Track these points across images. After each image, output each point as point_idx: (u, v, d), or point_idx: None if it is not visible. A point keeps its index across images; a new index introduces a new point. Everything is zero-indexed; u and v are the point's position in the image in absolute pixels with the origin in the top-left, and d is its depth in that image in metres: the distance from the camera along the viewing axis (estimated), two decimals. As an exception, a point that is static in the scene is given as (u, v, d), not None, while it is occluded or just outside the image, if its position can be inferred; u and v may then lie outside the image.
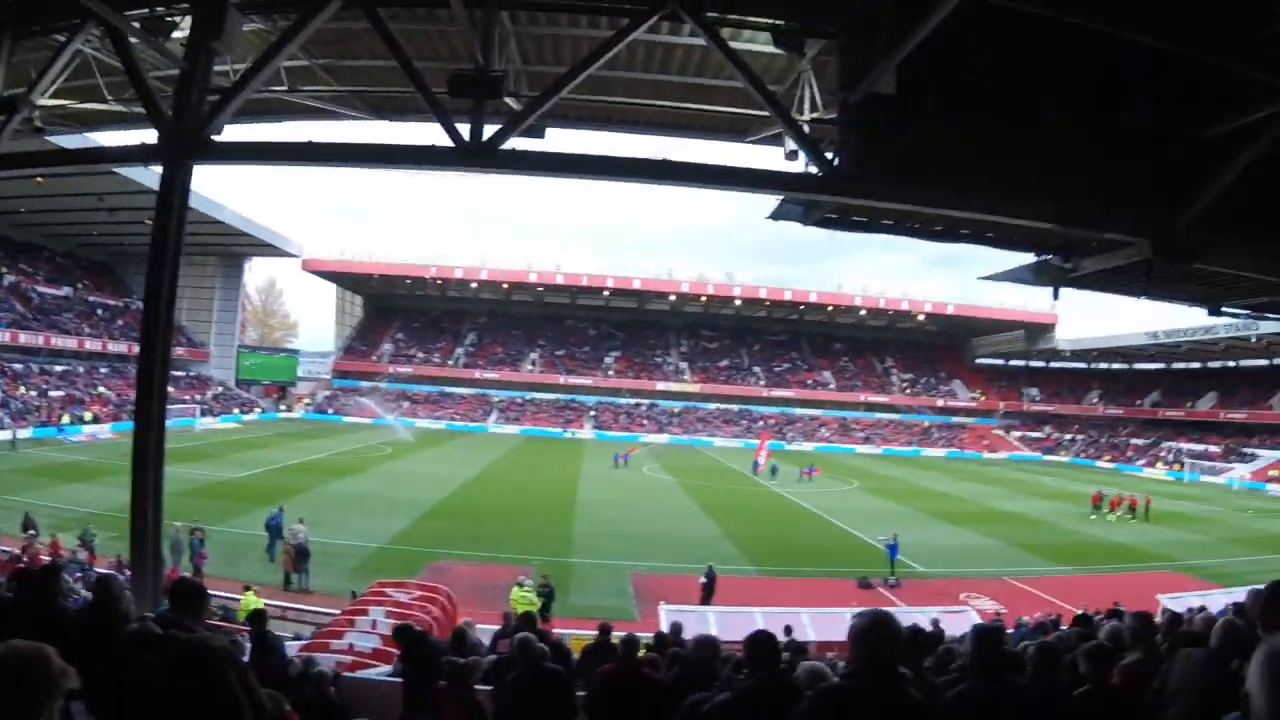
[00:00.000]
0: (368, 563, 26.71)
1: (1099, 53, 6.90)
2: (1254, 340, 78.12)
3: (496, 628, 14.83)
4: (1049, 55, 7.22)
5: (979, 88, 7.45)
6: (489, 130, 8.24)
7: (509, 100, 9.20)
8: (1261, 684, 2.07)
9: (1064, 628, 12.96)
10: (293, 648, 13.75)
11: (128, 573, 10.63)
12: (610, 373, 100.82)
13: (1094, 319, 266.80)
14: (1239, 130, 7.54)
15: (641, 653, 10.78)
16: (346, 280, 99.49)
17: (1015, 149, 7.62)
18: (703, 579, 24.34)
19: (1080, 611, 18.90)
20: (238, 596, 19.53)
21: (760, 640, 5.01)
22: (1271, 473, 73.77)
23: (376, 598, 18.04)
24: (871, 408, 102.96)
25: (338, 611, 18.22)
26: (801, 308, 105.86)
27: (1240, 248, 8.94)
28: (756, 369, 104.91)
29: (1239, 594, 10.68)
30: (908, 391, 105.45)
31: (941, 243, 9.74)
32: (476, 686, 8.05)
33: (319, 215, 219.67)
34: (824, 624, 20.05)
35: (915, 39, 6.30)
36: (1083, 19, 6.46)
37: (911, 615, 19.59)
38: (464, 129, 8.24)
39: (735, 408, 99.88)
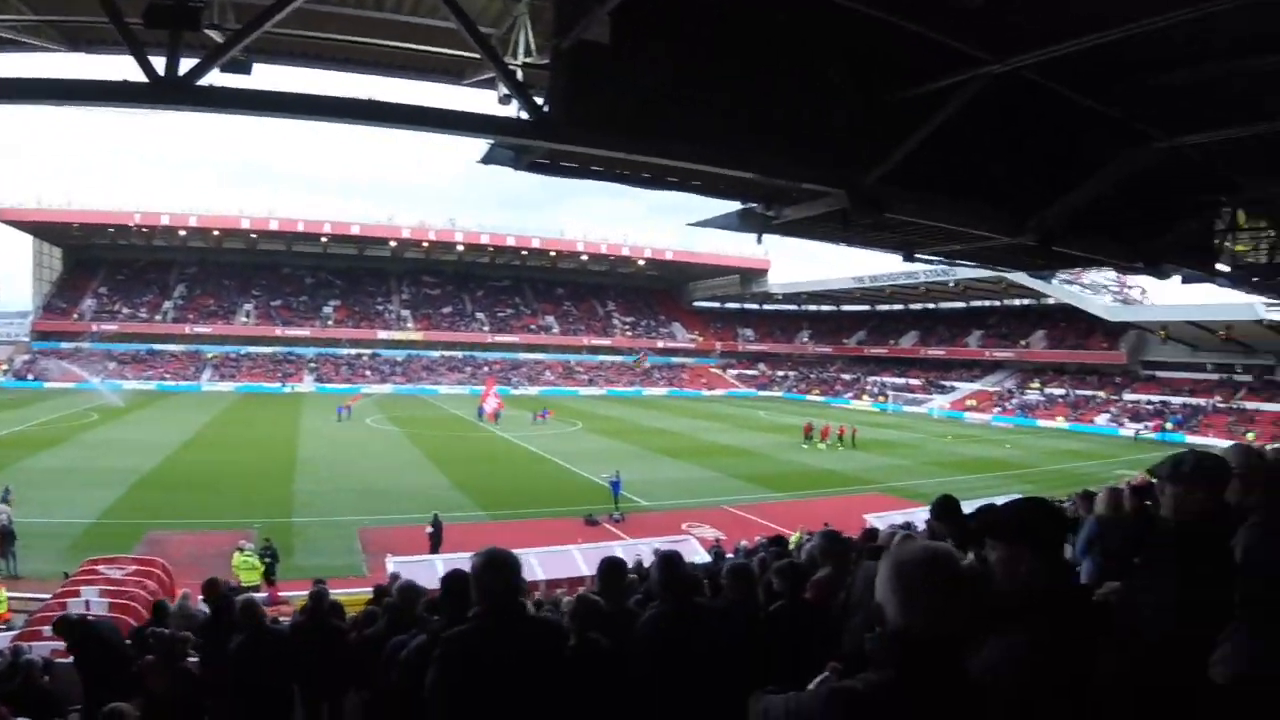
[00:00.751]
0: (80, 541, 24.60)
1: (802, 11, 7.21)
2: (951, 285, 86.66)
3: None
4: (757, 11, 7.49)
5: (689, 40, 7.62)
6: (188, 66, 7.69)
7: (213, 34, 8.62)
8: (892, 595, 2.22)
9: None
10: (4, 638, 12.80)
11: None
12: (329, 322, 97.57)
13: (807, 264, 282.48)
14: (934, 93, 8.12)
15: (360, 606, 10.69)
16: (44, 230, 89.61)
17: (722, 101, 7.85)
18: (429, 528, 24.29)
19: (796, 534, 20.18)
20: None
21: (452, 580, 5.01)
22: (968, 402, 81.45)
23: (88, 577, 17.09)
24: (594, 350, 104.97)
25: (49, 596, 16.96)
26: (524, 253, 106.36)
27: (925, 199, 9.66)
28: (480, 315, 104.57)
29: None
30: (629, 334, 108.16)
31: (650, 189, 10.00)
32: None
33: (16, 162, 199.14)
34: (551, 563, 20.60)
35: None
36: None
37: (635, 547, 20.36)
38: (161, 64, 7.65)
39: (460, 354, 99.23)
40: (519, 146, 8.22)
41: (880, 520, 22.52)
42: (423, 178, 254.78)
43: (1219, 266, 15.06)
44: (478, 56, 9.49)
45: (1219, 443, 49.08)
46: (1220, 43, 7.23)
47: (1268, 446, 27.79)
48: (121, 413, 59.02)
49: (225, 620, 8.35)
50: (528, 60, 8.68)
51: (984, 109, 8.44)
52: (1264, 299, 42.22)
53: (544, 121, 7.31)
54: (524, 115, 7.52)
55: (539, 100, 7.48)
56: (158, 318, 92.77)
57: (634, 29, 7.13)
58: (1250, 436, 54.02)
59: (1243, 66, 7.57)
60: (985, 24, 7.07)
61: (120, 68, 9.91)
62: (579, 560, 20.18)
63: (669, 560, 5.09)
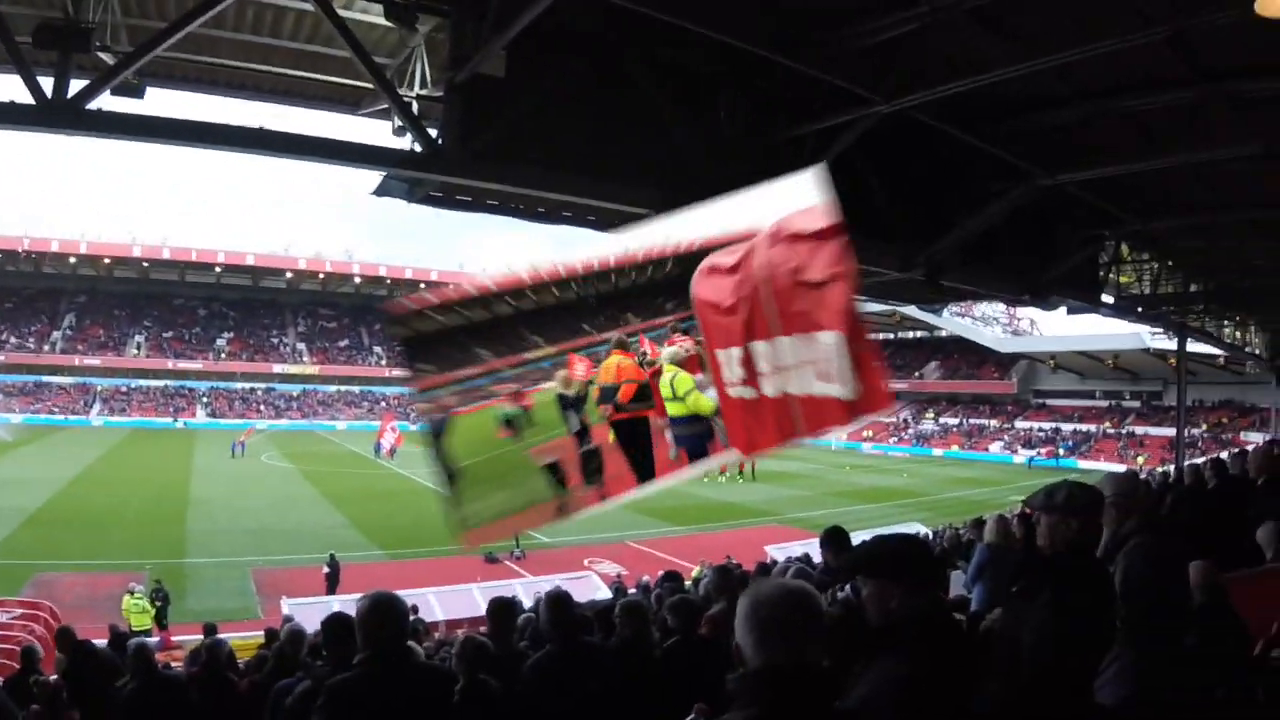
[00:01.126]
0: (-35, 584, 23.42)
1: (694, 51, 7.30)
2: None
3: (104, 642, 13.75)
4: (651, 51, 7.57)
5: (584, 77, 7.70)
6: (78, 87, 7.45)
7: (105, 56, 8.36)
8: (749, 635, 2.18)
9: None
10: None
11: None
12: (223, 355, 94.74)
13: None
14: (824, 131, 8.31)
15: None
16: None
17: (617, 137, 7.93)
18: (326, 569, 23.78)
19: (698, 568, 20.21)
20: None
21: (334, 624, 4.87)
22: (865, 432, 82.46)
23: (-28, 621, 16.31)
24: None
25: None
26: (423, 286, 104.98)
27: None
28: (378, 349, 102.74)
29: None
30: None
31: (546, 224, 10.00)
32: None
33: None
34: (451, 602, 20.31)
35: (521, 23, 6.37)
36: (678, 19, 6.75)
37: (536, 584, 20.18)
38: (50, 85, 7.38)
39: (357, 389, 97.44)
40: (413, 179, 8.16)
41: (780, 551, 22.74)
42: (324, 198, 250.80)
43: (1104, 298, 15.64)
44: (373, 87, 9.39)
45: (1111, 467, 50.70)
46: (1092, 87, 7.55)
47: (1156, 470, 28.81)
48: (9, 448, 56.28)
49: (81, 671, 8.00)
50: (423, 92, 8.60)
51: (874, 148, 8.68)
52: (1149, 328, 43.94)
53: (437, 154, 7.28)
54: (418, 148, 7.47)
55: (433, 132, 7.43)
56: (46, 348, 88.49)
57: (529, 65, 7.18)
58: (1141, 460, 55.90)
59: (1113, 109, 7.91)
60: (871, 66, 7.26)
61: (9, 88, 9.50)
62: (479, 599, 19.83)
63: (557, 601, 5.05)
